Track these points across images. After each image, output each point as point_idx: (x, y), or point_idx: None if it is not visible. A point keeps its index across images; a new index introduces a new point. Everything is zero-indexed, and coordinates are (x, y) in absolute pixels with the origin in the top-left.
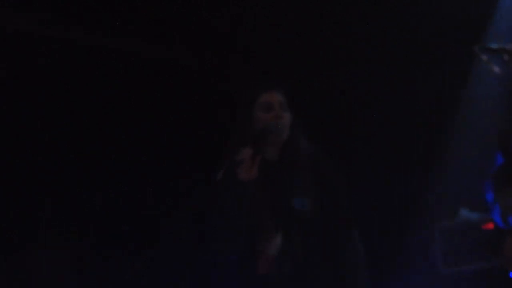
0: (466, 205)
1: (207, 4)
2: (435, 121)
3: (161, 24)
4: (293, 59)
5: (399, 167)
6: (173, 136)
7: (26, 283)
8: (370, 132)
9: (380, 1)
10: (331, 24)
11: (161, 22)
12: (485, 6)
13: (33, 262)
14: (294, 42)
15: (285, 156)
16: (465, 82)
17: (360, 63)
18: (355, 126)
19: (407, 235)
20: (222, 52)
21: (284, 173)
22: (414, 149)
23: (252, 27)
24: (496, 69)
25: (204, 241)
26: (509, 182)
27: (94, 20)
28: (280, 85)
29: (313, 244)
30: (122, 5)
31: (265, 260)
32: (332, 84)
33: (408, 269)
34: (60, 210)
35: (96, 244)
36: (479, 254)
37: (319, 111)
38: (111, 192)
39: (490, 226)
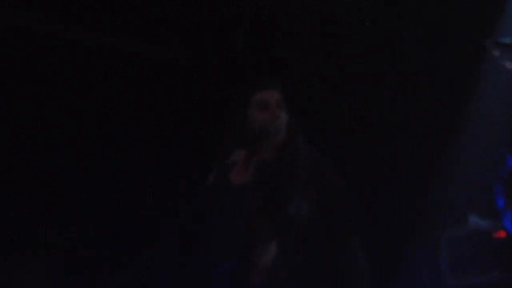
0: (475, 212)
1: (205, 3)
2: (442, 121)
3: (160, 24)
4: (291, 56)
5: (403, 170)
6: (169, 136)
7: (25, 283)
8: (372, 133)
9: None
10: (332, 19)
11: (160, 21)
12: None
13: (32, 262)
14: (292, 38)
15: (282, 158)
16: (474, 80)
17: (363, 59)
18: (357, 127)
19: (411, 244)
20: (219, 49)
21: (281, 176)
22: (419, 151)
23: (250, 23)
24: (509, 65)
25: (195, 248)
26: None
27: (93, 19)
28: (277, 82)
29: (312, 252)
30: (122, 4)
31: (259, 269)
32: (333, 82)
33: (413, 281)
34: (56, 210)
35: (93, 244)
36: (490, 265)
37: (319, 111)
38: (103, 191)
39: (502, 234)
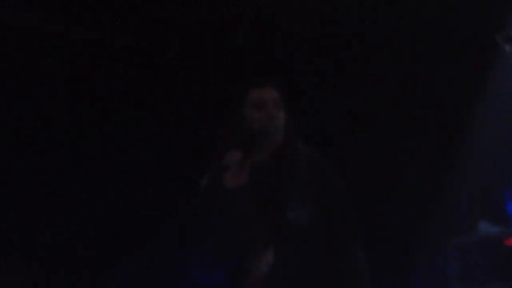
0: (485, 218)
1: (205, 3)
2: (451, 122)
3: (160, 23)
4: (289, 51)
5: (409, 174)
6: (168, 136)
7: (24, 283)
8: (377, 134)
9: None
10: (332, 19)
11: (160, 21)
12: None
13: (32, 262)
14: (291, 32)
15: (280, 159)
16: (485, 77)
17: (368, 55)
18: (360, 127)
19: (417, 252)
20: (219, 49)
21: (278, 180)
22: (426, 154)
23: (245, 17)
24: None
25: (186, 257)
26: None
27: (93, 17)
28: (274, 80)
29: (310, 261)
30: (122, 4)
31: (255, 279)
32: (335, 79)
33: None
34: (56, 210)
35: (93, 244)
36: (500, 274)
37: (319, 110)
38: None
39: None
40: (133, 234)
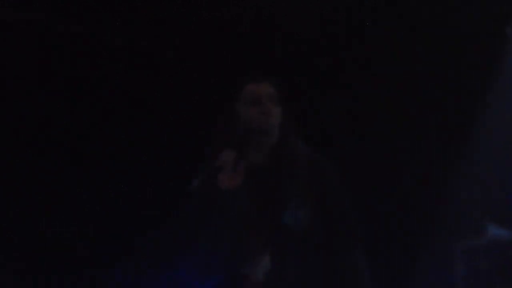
0: (495, 221)
1: (205, 3)
2: (456, 120)
3: (159, 23)
4: (289, 50)
5: (414, 176)
6: (167, 135)
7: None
8: (379, 133)
9: None
10: (335, 11)
11: (160, 20)
12: None
13: (32, 262)
14: (291, 32)
15: (276, 160)
16: (494, 74)
17: (367, 55)
18: (362, 126)
19: (424, 256)
20: (218, 49)
21: (274, 181)
22: (432, 155)
23: (240, 8)
24: None
25: (180, 261)
26: None
27: (93, 18)
28: (270, 74)
29: (309, 264)
30: (122, 3)
31: (250, 285)
32: (335, 79)
33: None
34: (56, 210)
35: (93, 244)
36: (509, 279)
37: (318, 107)
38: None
39: None
40: (133, 234)
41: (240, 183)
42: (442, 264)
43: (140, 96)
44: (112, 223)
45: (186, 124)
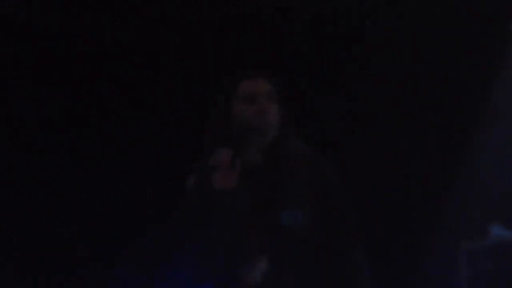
0: (498, 221)
1: (205, 3)
2: (457, 121)
3: (159, 22)
4: (289, 50)
5: (416, 176)
6: (165, 134)
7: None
8: (379, 133)
9: None
10: (335, 11)
11: (159, 20)
12: None
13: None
14: (291, 32)
15: (273, 159)
16: (496, 71)
17: (368, 55)
18: (362, 126)
19: (426, 258)
20: (218, 49)
21: (271, 180)
22: (434, 155)
23: (240, 7)
24: None
25: (175, 263)
26: None
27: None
28: (267, 70)
29: (308, 267)
30: (122, 3)
31: (247, 287)
32: (335, 74)
33: None
34: (56, 210)
35: (93, 244)
36: None
37: (317, 105)
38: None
39: None
40: (133, 234)
41: (237, 182)
42: (445, 265)
43: (140, 96)
44: (111, 223)
45: (186, 124)
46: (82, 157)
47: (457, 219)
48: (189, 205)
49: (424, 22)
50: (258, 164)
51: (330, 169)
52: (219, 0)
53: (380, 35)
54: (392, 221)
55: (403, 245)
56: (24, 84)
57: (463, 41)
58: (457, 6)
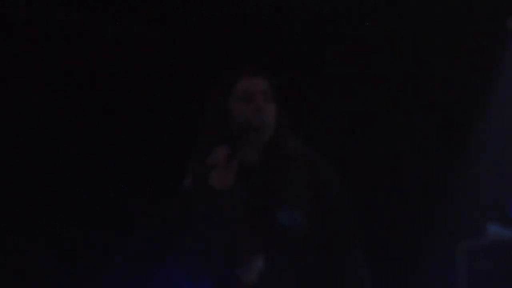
0: (495, 220)
1: (205, 3)
2: (456, 120)
3: (159, 22)
4: (289, 50)
5: (413, 175)
6: (164, 133)
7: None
8: (379, 133)
9: None
10: (335, 11)
11: (159, 20)
12: None
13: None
14: (291, 31)
15: (270, 159)
16: (494, 70)
17: (368, 55)
18: (361, 124)
19: (423, 258)
20: (218, 49)
21: (268, 180)
22: (431, 154)
23: (240, 7)
24: None
25: (171, 263)
26: None
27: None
28: (264, 69)
29: (306, 267)
30: (122, 3)
31: (244, 287)
32: (334, 71)
33: None
34: (56, 210)
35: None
36: (511, 280)
37: (315, 104)
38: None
39: None
40: (130, 234)
41: (234, 182)
42: (443, 264)
43: (140, 96)
44: (108, 223)
45: (186, 124)
46: (81, 157)
47: (455, 219)
48: (186, 204)
49: (424, 21)
50: (256, 163)
51: (329, 169)
52: (219, 0)
53: (380, 35)
54: (392, 221)
55: (402, 245)
56: (24, 84)
57: (462, 41)
58: (457, 6)
